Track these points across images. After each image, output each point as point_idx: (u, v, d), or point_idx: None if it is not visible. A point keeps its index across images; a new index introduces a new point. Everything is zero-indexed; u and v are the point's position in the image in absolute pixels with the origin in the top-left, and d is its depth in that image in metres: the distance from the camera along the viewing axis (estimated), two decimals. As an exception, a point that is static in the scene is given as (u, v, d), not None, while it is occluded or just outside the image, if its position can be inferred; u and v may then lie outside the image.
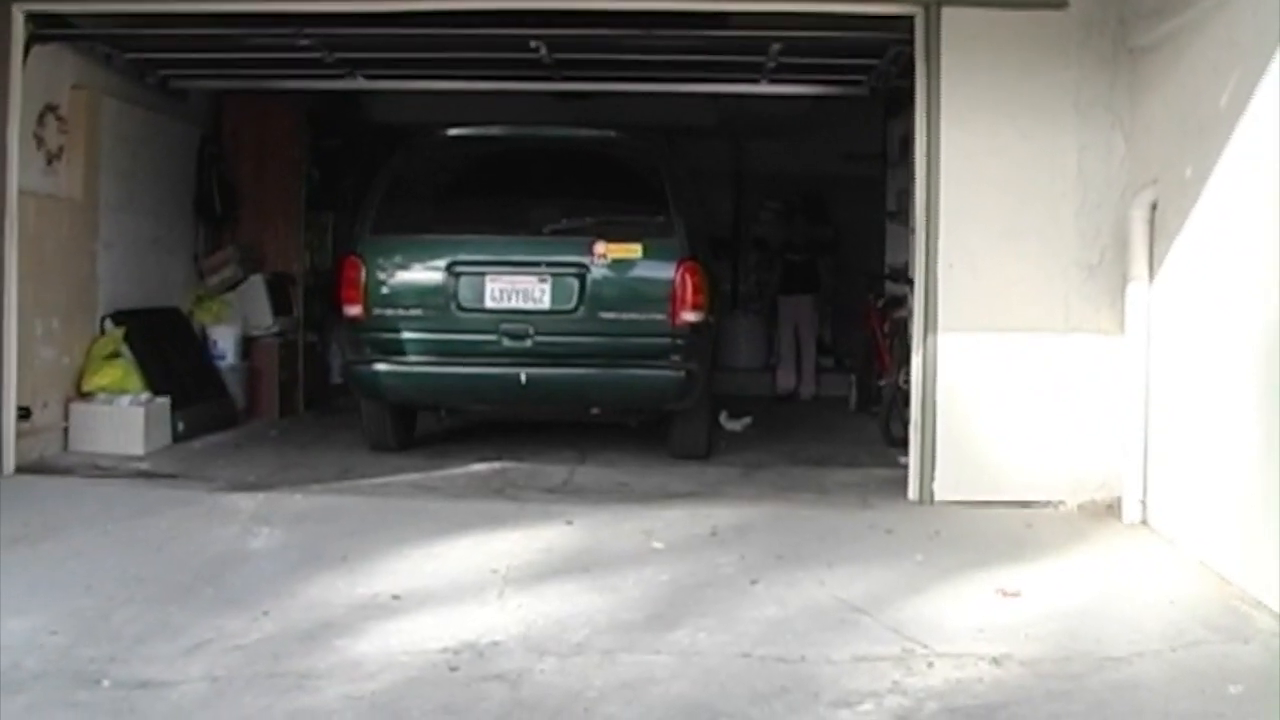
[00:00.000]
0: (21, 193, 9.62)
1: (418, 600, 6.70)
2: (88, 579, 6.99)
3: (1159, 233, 8.43)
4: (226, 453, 11.14)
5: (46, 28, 9.92)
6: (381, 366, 10.39)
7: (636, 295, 10.25)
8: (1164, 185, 8.32)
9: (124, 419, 10.74)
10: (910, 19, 9.27)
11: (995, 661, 5.89)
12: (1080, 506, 8.94)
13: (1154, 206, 8.45)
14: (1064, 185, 9.05)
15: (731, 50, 10.93)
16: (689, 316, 10.17)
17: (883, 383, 12.38)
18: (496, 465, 10.48)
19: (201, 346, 12.79)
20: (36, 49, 9.81)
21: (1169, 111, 8.32)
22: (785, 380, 16.08)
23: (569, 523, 8.35)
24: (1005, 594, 6.94)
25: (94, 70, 11.15)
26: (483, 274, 10.26)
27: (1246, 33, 7.09)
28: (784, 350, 16.19)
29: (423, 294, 10.38)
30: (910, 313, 9.98)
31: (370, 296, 10.34)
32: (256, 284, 13.42)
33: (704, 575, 7.26)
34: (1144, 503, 8.53)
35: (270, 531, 8.11)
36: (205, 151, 13.46)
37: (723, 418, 12.64)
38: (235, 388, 12.87)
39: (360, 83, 12.19)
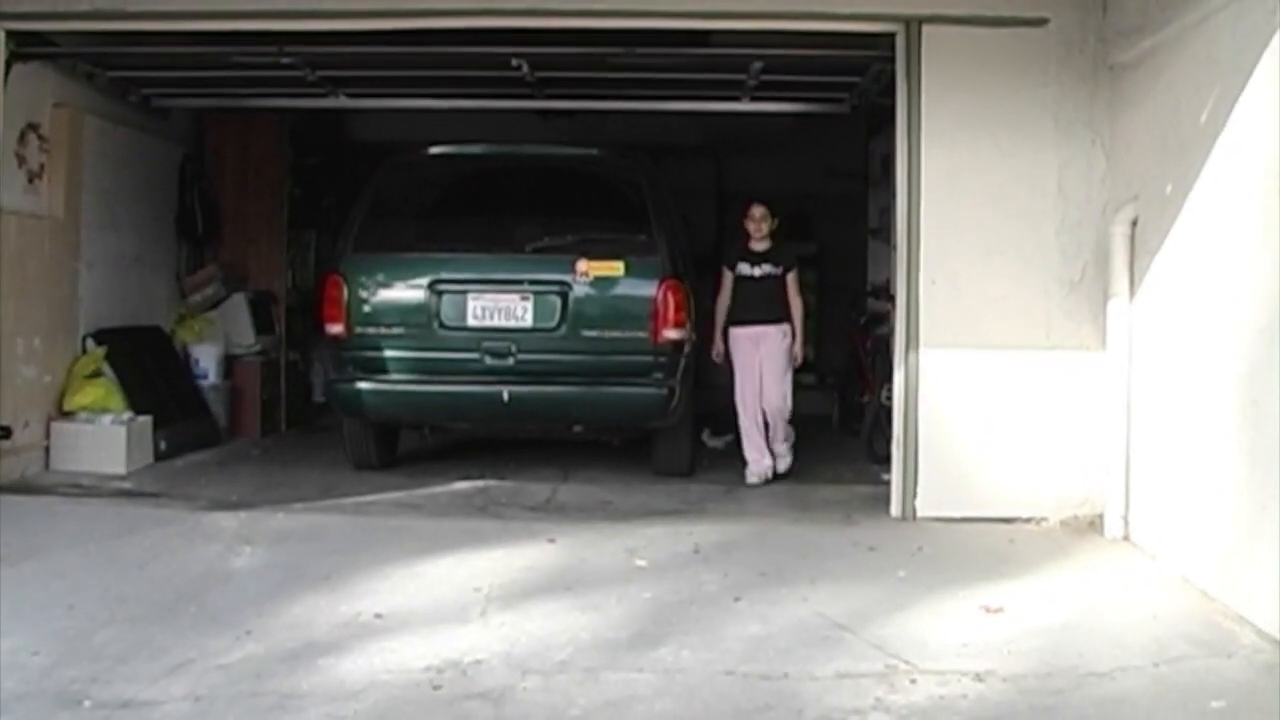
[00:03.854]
0: (3, 211, 9.63)
1: (401, 619, 6.69)
2: (70, 599, 6.97)
3: (1140, 249, 8.46)
4: (209, 472, 11.11)
5: (27, 45, 9.93)
6: (364, 385, 10.38)
7: (619, 313, 10.26)
8: (1144, 202, 8.35)
9: (106, 438, 10.71)
10: (891, 36, 9.31)
11: (978, 678, 5.89)
12: (1063, 522, 8.96)
13: (1135, 223, 8.49)
14: (1045, 202, 9.08)
15: (714, 68, 10.97)
16: (671, 334, 10.18)
17: (865, 400, 12.39)
18: (479, 483, 10.47)
19: (184, 365, 12.75)
20: (17, 67, 9.82)
21: (1149, 128, 8.35)
22: (757, 462, 10.91)
23: (552, 541, 8.35)
24: (988, 610, 6.94)
25: (75, 89, 11.14)
26: (465, 292, 10.26)
27: (1225, 50, 7.12)
28: (745, 413, 10.95)
29: (405, 312, 10.37)
30: (892, 329, 10.00)
31: (352, 315, 10.32)
32: (239, 302, 13.39)
33: (687, 593, 7.26)
34: (1126, 519, 8.54)
35: (253, 550, 8.10)
36: (187, 170, 13.43)
37: (705, 435, 12.63)
38: (217, 406, 12.84)
39: (342, 101, 12.19)
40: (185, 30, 9.93)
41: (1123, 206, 8.61)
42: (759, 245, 10.90)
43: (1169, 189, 7.88)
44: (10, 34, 9.61)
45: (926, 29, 9.11)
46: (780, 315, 10.85)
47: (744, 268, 10.87)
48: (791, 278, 10.89)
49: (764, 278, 10.84)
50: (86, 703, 5.55)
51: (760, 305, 10.82)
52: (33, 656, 6.07)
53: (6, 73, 9.62)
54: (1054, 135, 9.08)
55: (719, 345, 11.02)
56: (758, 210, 10.86)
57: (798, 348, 10.91)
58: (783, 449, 11.12)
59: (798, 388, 17.02)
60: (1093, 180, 9.06)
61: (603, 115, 12.68)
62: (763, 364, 10.81)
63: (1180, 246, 7.79)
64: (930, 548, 8.35)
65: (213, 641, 6.31)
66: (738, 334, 10.89)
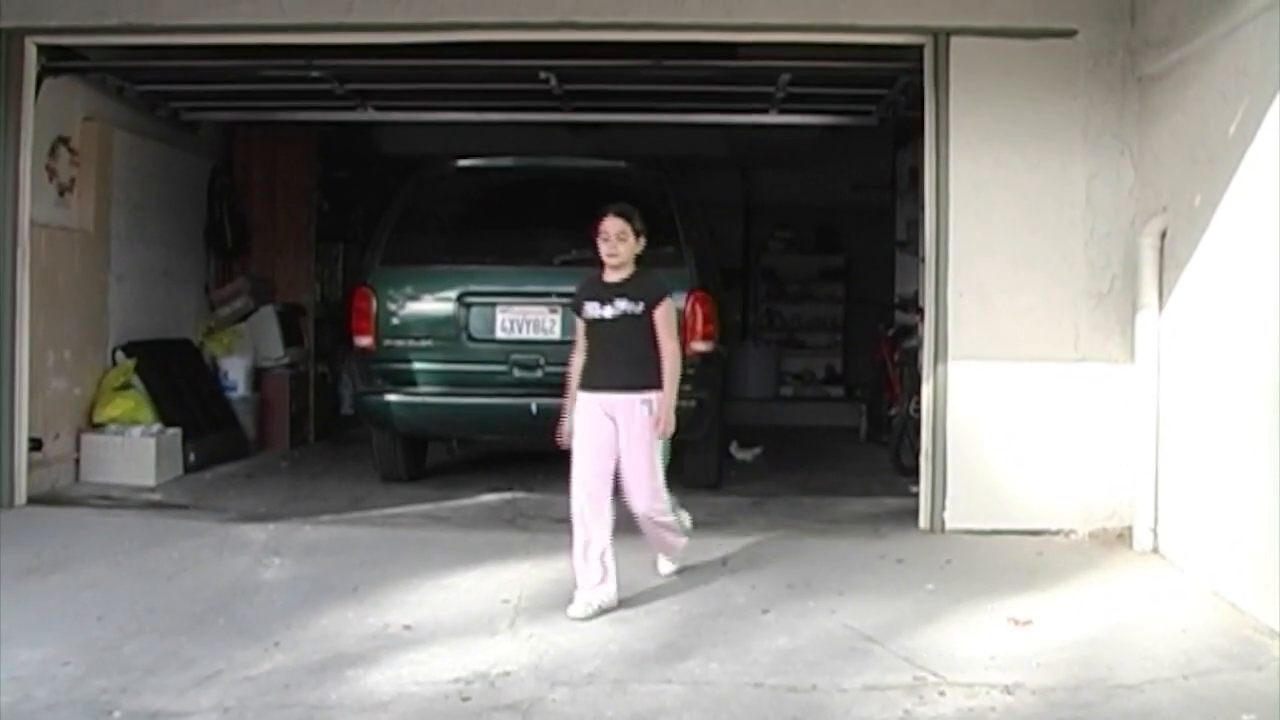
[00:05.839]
0: (33, 225, 9.66)
1: (429, 630, 6.70)
2: (99, 610, 7.00)
3: (1168, 261, 8.43)
4: (237, 483, 11.15)
5: (58, 60, 9.99)
6: (392, 397, 10.40)
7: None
8: (1173, 213, 8.33)
9: (135, 450, 10.76)
10: (919, 49, 9.30)
11: (1007, 690, 5.88)
12: (1091, 535, 8.93)
13: (1163, 235, 8.46)
14: (1073, 214, 9.06)
15: (741, 80, 10.97)
16: (699, 346, 10.15)
17: (893, 412, 12.38)
18: (507, 495, 10.47)
19: (212, 377, 12.81)
20: (48, 81, 9.88)
21: (1178, 140, 8.33)
22: (589, 588, 7.18)
23: (580, 553, 8.33)
24: (1017, 623, 6.93)
25: (105, 103, 11.22)
26: (493, 304, 10.28)
27: (1254, 61, 7.10)
28: (580, 514, 7.34)
29: (433, 324, 10.39)
30: (920, 342, 9.98)
31: (381, 327, 10.36)
32: (267, 315, 13.45)
33: (715, 605, 7.26)
34: (1155, 531, 8.52)
35: (281, 562, 8.12)
36: (216, 183, 13.51)
37: (733, 448, 12.63)
38: (246, 418, 12.88)
39: (370, 114, 12.22)
40: (214, 44, 9.95)
41: (1151, 218, 8.59)
42: (613, 275, 7.40)
43: (1198, 200, 7.86)
44: (41, 48, 9.66)
45: (955, 41, 9.10)
46: (641, 377, 7.34)
47: (592, 308, 7.43)
48: (662, 314, 7.36)
49: (618, 319, 7.34)
50: (116, 713, 5.57)
51: (612, 361, 7.37)
52: (63, 667, 6.10)
53: (38, 87, 9.67)
54: (1082, 147, 9.06)
55: (567, 421, 7.49)
56: (611, 225, 7.33)
57: (665, 413, 7.36)
58: (678, 553, 7.93)
59: (824, 400, 17.20)
60: (1121, 192, 9.03)
61: (630, 128, 12.69)
62: (621, 449, 7.33)
63: (1209, 258, 7.77)
64: (959, 560, 8.33)
65: (241, 653, 6.33)
66: (581, 401, 7.40)
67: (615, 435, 7.32)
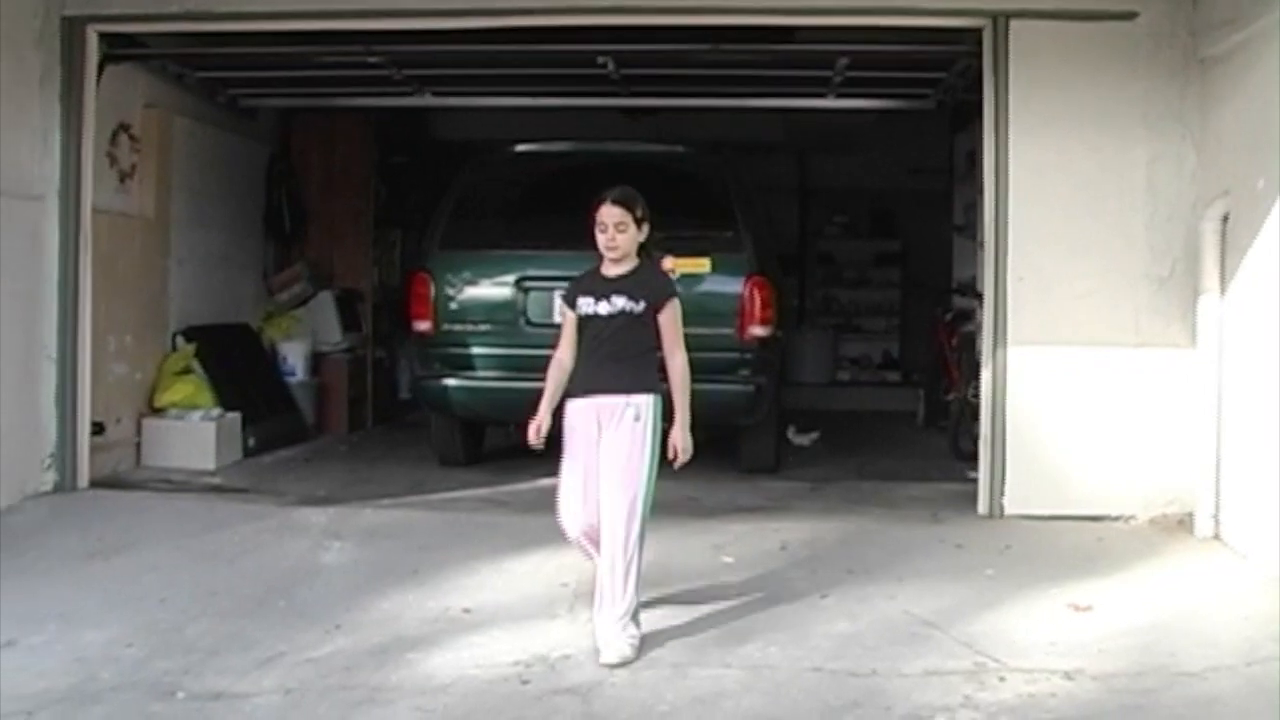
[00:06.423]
0: (95, 211, 9.72)
1: (488, 614, 6.73)
2: (162, 592, 7.06)
3: (1230, 245, 8.36)
4: (296, 468, 11.22)
5: (119, 48, 10.04)
6: (450, 381, 10.44)
7: (705, 310, 10.20)
8: (1235, 197, 8.26)
9: (196, 434, 10.84)
10: (978, 31, 9.24)
11: (1068, 676, 5.86)
12: (1151, 521, 8.87)
13: (1225, 219, 8.39)
14: (1133, 198, 8.99)
15: (799, 64, 10.93)
16: (758, 331, 10.16)
17: (950, 397, 12.34)
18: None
19: (271, 362, 12.88)
20: (109, 69, 9.93)
21: (1240, 122, 8.26)
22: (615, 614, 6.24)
23: (638, 537, 8.33)
24: (1077, 609, 6.90)
25: (165, 89, 11.28)
26: (551, 289, 10.23)
27: (1320, 43, 7.04)
28: (571, 535, 6.60)
29: (491, 309, 10.42)
30: (978, 327, 9.94)
31: (439, 312, 10.40)
32: (325, 300, 13.51)
33: (774, 589, 7.25)
34: (1216, 518, 8.45)
35: (341, 546, 8.16)
36: (274, 169, 13.59)
37: (791, 432, 12.61)
38: (305, 403, 12.95)
39: (428, 99, 12.24)
40: (273, 30, 9.99)
41: (1213, 202, 8.52)
42: (613, 268, 6.48)
43: (1261, 184, 7.79)
44: (102, 36, 9.72)
45: (1014, 24, 9.04)
46: (630, 379, 6.38)
47: (585, 304, 6.45)
48: (667, 317, 6.45)
49: (615, 318, 6.37)
50: (180, 694, 5.62)
51: (603, 362, 6.40)
52: (127, 649, 6.16)
53: (99, 74, 9.73)
54: (1143, 130, 8.99)
55: (540, 418, 6.50)
56: (609, 212, 6.42)
57: (681, 435, 6.42)
58: (615, 627, 6.19)
59: (881, 385, 17.12)
60: (1182, 176, 8.96)
61: (687, 112, 12.68)
62: (600, 458, 6.35)
63: (1272, 242, 7.70)
64: (1018, 546, 8.29)
65: (302, 635, 6.37)
66: (570, 408, 6.47)
67: (595, 449, 6.37)
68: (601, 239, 6.42)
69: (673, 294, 6.48)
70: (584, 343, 6.47)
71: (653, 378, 6.41)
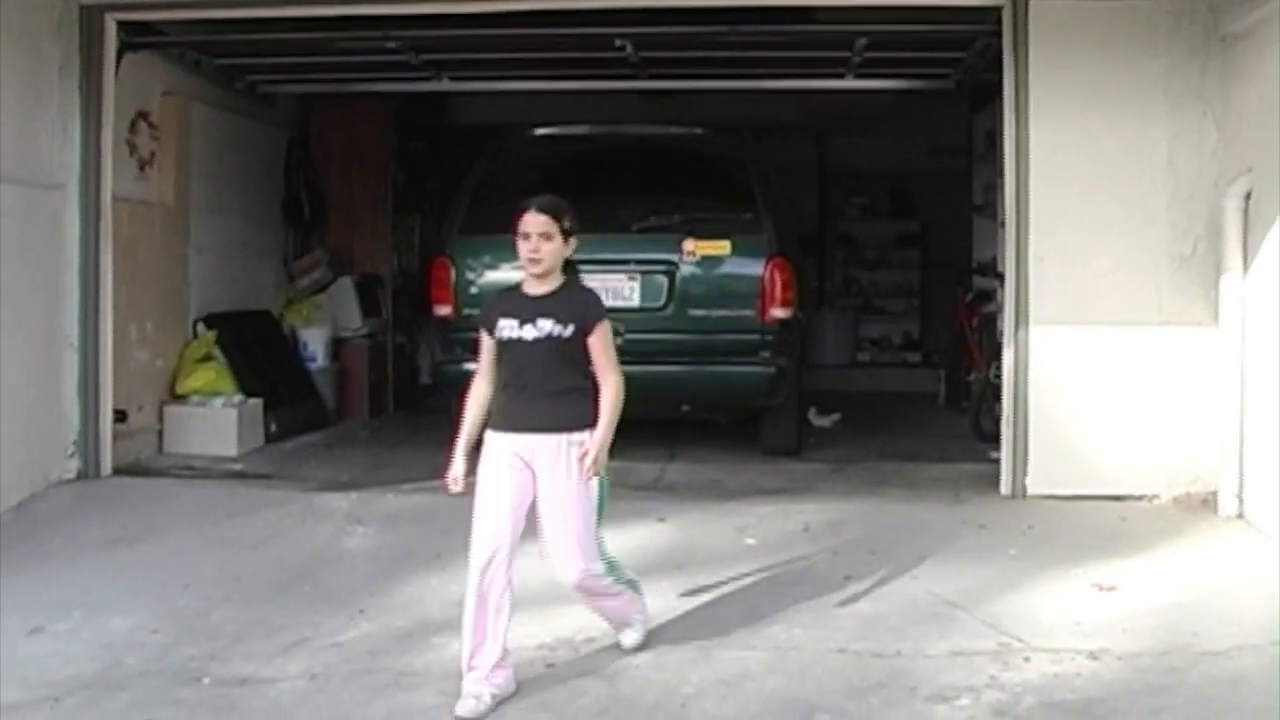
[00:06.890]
0: (115, 199, 9.74)
1: (513, 597, 6.72)
2: (186, 578, 7.09)
3: (1253, 222, 8.33)
4: (318, 453, 11.23)
5: (137, 35, 10.05)
6: (471, 366, 10.38)
7: (726, 292, 10.24)
8: (1258, 174, 8.22)
9: (217, 421, 10.86)
10: (998, 10, 9.20)
11: (1093, 656, 5.86)
12: (1175, 500, 8.84)
13: (1248, 196, 8.35)
14: (1155, 176, 8.95)
15: (817, 45, 10.88)
16: (779, 313, 10.15)
17: (972, 377, 12.32)
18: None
19: (292, 348, 12.88)
20: (128, 57, 9.94)
21: (1262, 99, 8.21)
22: (476, 681, 5.54)
23: (661, 520, 8.34)
24: (1101, 588, 6.90)
25: (183, 77, 11.30)
26: (571, 272, 10.28)
27: (1342, 18, 7.00)
28: (475, 585, 5.72)
29: (512, 293, 10.39)
30: (999, 307, 9.92)
31: (460, 296, 10.38)
32: (345, 286, 13.51)
33: (797, 570, 7.27)
34: (1240, 496, 8.42)
35: (364, 530, 8.18)
36: (293, 156, 13.59)
37: (812, 414, 12.59)
38: (326, 389, 12.95)
39: (446, 84, 12.22)
40: (290, 16, 9.98)
41: (1235, 179, 8.48)
42: (536, 286, 5.89)
43: (1283, 161, 7.77)
44: (121, 24, 9.72)
45: (1034, 2, 9.00)
46: (568, 414, 5.79)
47: (507, 326, 5.82)
48: (598, 339, 5.81)
49: (541, 342, 5.75)
50: (206, 680, 5.65)
51: (531, 393, 5.80)
52: (152, 635, 6.19)
53: (118, 63, 9.74)
54: (1164, 107, 8.94)
55: (457, 464, 5.87)
56: (534, 220, 5.85)
57: (598, 449, 5.71)
58: (629, 625, 6.20)
59: (902, 366, 17.10)
60: (1204, 153, 8.92)
61: (706, 95, 12.65)
62: (542, 506, 5.78)
63: (1296, 219, 7.68)
64: (1041, 526, 8.27)
65: (327, 620, 6.40)
66: (491, 445, 5.82)
67: (533, 488, 5.76)
68: (523, 248, 5.81)
69: (602, 315, 5.85)
70: (504, 371, 5.84)
71: (590, 410, 5.77)
